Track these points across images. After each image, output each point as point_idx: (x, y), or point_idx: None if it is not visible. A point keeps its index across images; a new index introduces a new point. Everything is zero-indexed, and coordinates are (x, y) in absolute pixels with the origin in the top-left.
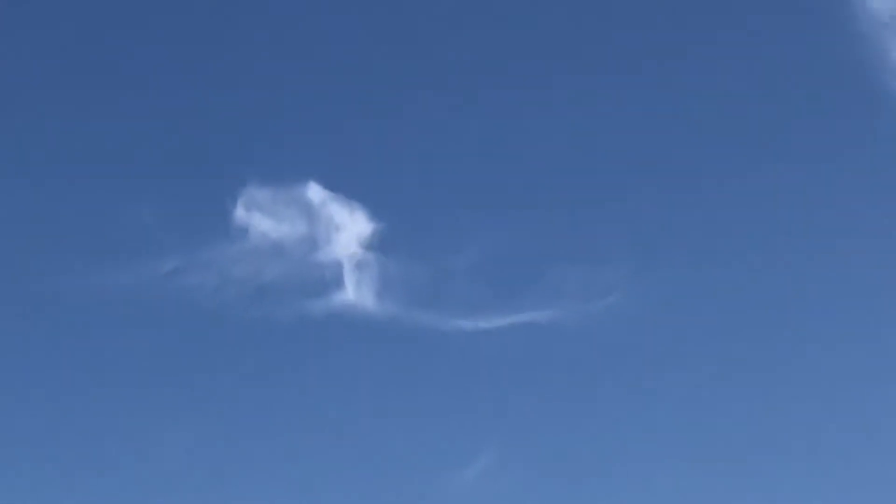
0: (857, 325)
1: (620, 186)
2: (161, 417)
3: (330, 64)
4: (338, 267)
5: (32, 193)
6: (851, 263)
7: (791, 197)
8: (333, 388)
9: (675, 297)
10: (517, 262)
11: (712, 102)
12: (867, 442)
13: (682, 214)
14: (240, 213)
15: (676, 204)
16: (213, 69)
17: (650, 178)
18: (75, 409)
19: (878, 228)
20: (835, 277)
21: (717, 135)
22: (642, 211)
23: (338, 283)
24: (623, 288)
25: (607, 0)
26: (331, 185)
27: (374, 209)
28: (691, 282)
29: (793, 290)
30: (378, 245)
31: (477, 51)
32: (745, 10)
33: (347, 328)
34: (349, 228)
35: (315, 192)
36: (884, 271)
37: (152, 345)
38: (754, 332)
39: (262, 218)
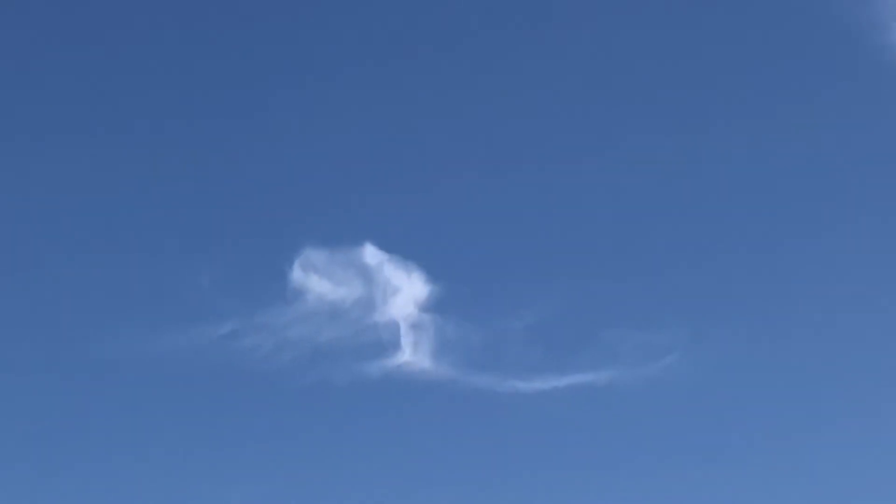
0: None
1: (677, 250)
2: (219, 481)
3: (388, 126)
4: (394, 328)
5: (93, 258)
6: None
7: (846, 265)
8: (391, 450)
9: (732, 362)
10: (573, 324)
11: (762, 165)
12: None
13: (740, 278)
14: (296, 275)
15: (733, 268)
16: (269, 132)
17: (707, 242)
18: (135, 474)
19: None
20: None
21: (769, 197)
22: (699, 274)
23: (394, 344)
24: (680, 351)
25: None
26: (387, 246)
27: (431, 271)
28: (748, 346)
29: (848, 357)
30: (434, 307)
31: (537, 115)
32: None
33: (404, 390)
34: (406, 290)
35: (371, 253)
36: None
37: (209, 408)
38: (810, 398)
39: (318, 280)
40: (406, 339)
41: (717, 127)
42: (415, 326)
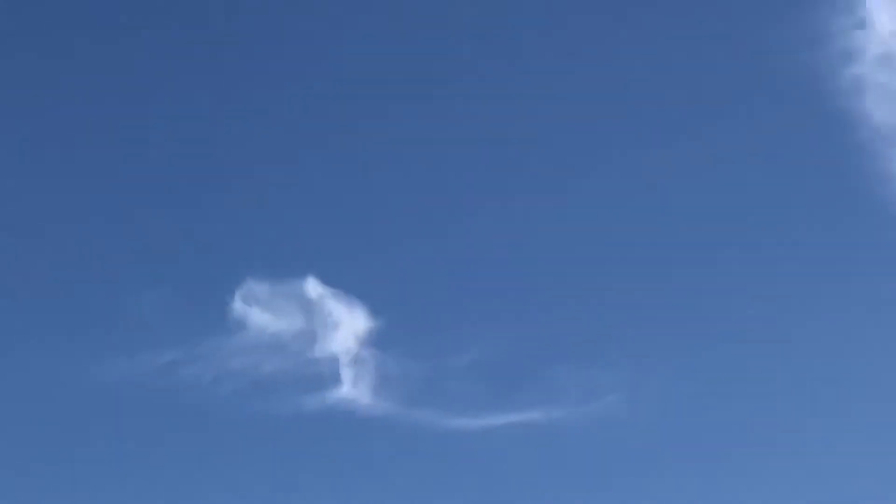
0: (865, 420)
1: (619, 288)
2: (156, 499)
3: (333, 160)
4: (335, 362)
5: (33, 284)
6: (852, 367)
7: (793, 302)
8: (328, 484)
9: (676, 398)
10: (516, 362)
11: (710, 208)
12: None
13: (682, 315)
14: (238, 306)
15: (676, 305)
16: (213, 164)
17: (649, 279)
18: (72, 499)
19: (875, 333)
20: (837, 379)
21: (716, 239)
22: (641, 312)
23: (334, 378)
24: (622, 388)
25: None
26: (329, 280)
27: (373, 305)
28: (692, 382)
29: (796, 389)
30: (376, 341)
31: (479, 153)
32: (749, 120)
33: (343, 424)
34: (347, 324)
35: (314, 286)
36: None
37: (146, 436)
38: (756, 432)
39: (260, 312)
40: (346, 374)
41: (651, 169)
42: (355, 361)
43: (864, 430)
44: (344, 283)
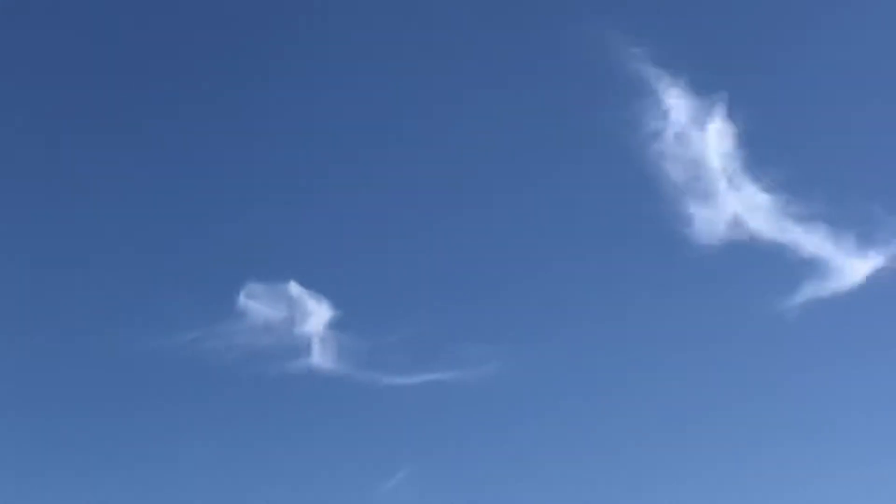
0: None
1: (504, 287)
2: (183, 436)
3: (306, 194)
4: (308, 340)
5: (94, 277)
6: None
7: (626, 310)
8: (305, 423)
9: (541, 366)
10: (432, 338)
11: (564, 229)
12: None
13: (548, 306)
14: (242, 300)
15: (544, 298)
16: (227, 195)
17: (525, 280)
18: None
19: (684, 344)
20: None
21: (572, 257)
22: (518, 303)
23: (308, 351)
24: (504, 358)
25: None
26: (306, 283)
27: (335, 301)
28: (555, 355)
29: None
30: (336, 325)
31: (415, 180)
32: (579, 178)
33: (314, 382)
34: (317, 314)
35: (294, 288)
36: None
37: (175, 393)
38: (599, 391)
39: (257, 305)
40: (316, 348)
41: (535, 196)
42: (322, 339)
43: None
44: (315, 285)
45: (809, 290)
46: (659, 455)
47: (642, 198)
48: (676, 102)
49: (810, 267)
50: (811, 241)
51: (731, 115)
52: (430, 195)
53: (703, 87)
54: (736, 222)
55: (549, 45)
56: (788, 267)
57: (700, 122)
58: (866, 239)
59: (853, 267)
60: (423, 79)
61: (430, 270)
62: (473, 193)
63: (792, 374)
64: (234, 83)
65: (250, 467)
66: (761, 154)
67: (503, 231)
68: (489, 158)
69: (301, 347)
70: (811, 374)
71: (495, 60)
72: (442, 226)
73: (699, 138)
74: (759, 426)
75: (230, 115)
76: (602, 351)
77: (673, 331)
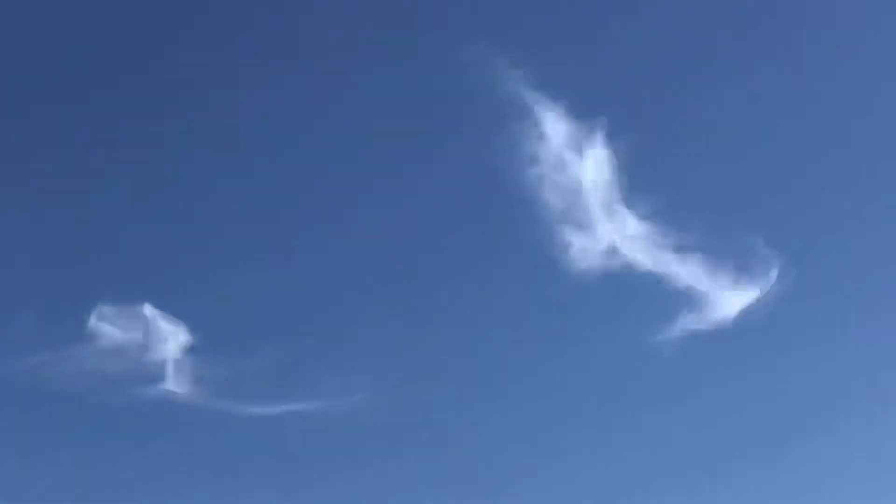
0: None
1: (364, 318)
2: (28, 464)
3: (170, 219)
4: (163, 366)
5: None
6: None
7: (500, 338)
8: (155, 454)
9: (403, 399)
10: (291, 367)
11: (439, 264)
12: None
13: (411, 338)
14: (93, 322)
15: (414, 329)
16: (77, 214)
17: (392, 308)
18: None
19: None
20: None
21: (442, 295)
22: (381, 334)
23: (163, 377)
24: (367, 390)
25: None
26: (161, 306)
27: (191, 325)
28: (422, 386)
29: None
30: (192, 350)
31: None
32: (456, 201)
33: (169, 410)
34: (172, 338)
35: (149, 310)
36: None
37: (23, 421)
38: (467, 422)
39: (109, 328)
40: (171, 374)
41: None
42: (178, 365)
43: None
44: (171, 308)
45: (686, 323)
46: (524, 488)
47: (518, 224)
48: (555, 127)
49: (687, 299)
50: (688, 272)
51: (610, 141)
52: (292, 218)
53: (582, 111)
54: (612, 251)
55: (423, 65)
56: (665, 298)
57: (578, 147)
58: (743, 271)
59: (728, 300)
60: (289, 99)
61: (292, 296)
62: (338, 218)
63: (668, 407)
64: (73, 108)
65: (100, 499)
66: (639, 181)
67: (369, 257)
68: (357, 179)
69: (155, 373)
70: (687, 407)
71: (367, 80)
72: (303, 251)
73: (577, 164)
74: (635, 460)
75: (78, 130)
76: (473, 381)
77: (548, 361)
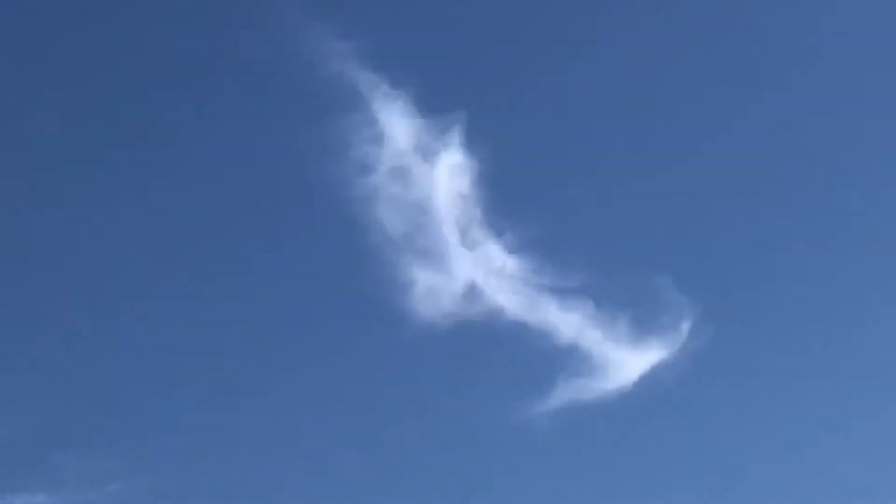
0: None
1: (127, 382)
2: None
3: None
4: None
5: None
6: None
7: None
8: None
9: (170, 491)
10: (25, 447)
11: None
12: None
13: (183, 412)
14: None
15: (178, 405)
16: None
17: (156, 376)
18: None
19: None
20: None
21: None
22: (143, 408)
23: None
24: (122, 477)
25: None
26: None
27: None
28: (186, 476)
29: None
30: None
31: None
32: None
33: None
34: None
35: None
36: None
37: None
38: None
39: None
40: None
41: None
42: None
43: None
44: None
45: (567, 391)
46: None
47: (344, 254)
48: (396, 122)
49: (570, 359)
50: (572, 323)
51: (471, 145)
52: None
53: (433, 102)
54: (471, 293)
55: (223, 36)
56: (541, 357)
57: (428, 151)
58: (645, 323)
59: (626, 361)
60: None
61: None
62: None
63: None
64: None
65: None
66: (509, 200)
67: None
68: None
69: None
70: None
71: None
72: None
73: (426, 174)
74: None
75: None
76: (270, 468)
77: (378, 441)
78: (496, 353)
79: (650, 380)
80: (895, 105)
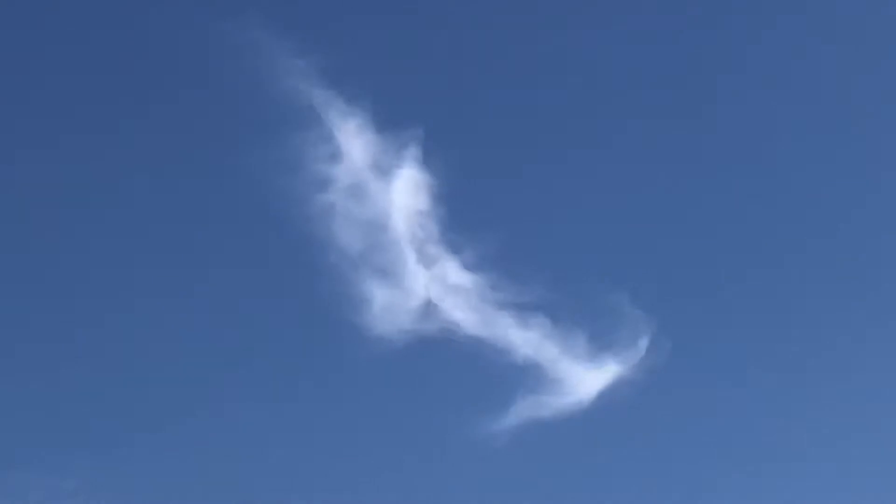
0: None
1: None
2: None
3: None
4: None
5: None
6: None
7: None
8: None
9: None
10: None
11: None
12: None
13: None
14: None
15: (133, 418)
16: None
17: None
18: None
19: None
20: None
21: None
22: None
23: None
24: (85, 494)
25: None
26: None
27: None
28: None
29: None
30: None
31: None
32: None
33: None
34: None
35: None
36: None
37: None
38: None
39: None
40: None
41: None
42: None
43: None
44: None
45: (525, 408)
46: None
47: (299, 270)
48: (353, 138)
49: (527, 375)
50: (529, 339)
51: (428, 161)
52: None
53: (390, 118)
54: (428, 310)
55: (178, 50)
56: (498, 374)
57: (384, 167)
58: (603, 339)
59: (584, 377)
60: None
61: None
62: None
63: None
64: None
65: None
66: (466, 216)
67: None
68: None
69: None
70: None
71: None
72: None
73: (383, 191)
74: None
75: None
76: (224, 485)
77: (333, 460)
78: (453, 369)
79: (608, 396)
80: (855, 116)
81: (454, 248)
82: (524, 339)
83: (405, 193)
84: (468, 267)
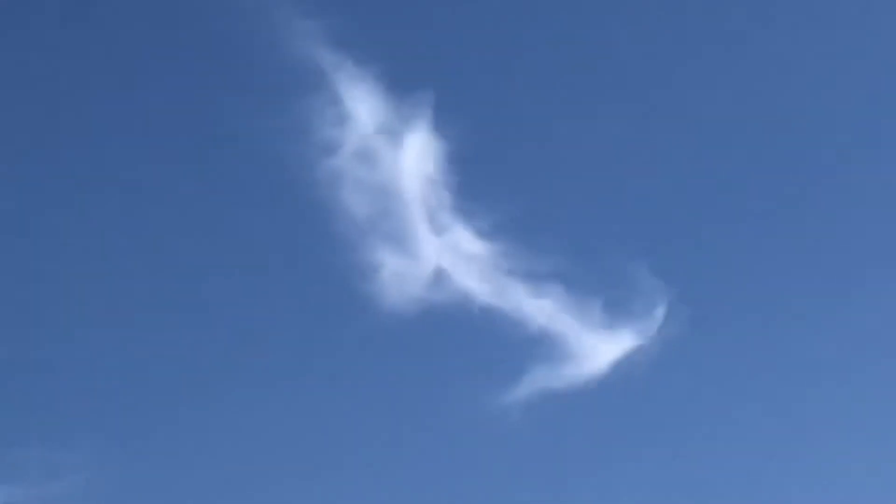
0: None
1: (89, 372)
2: None
3: None
4: None
5: None
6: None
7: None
8: None
9: (133, 483)
10: None
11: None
12: None
13: (146, 402)
14: None
15: (142, 395)
16: None
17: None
18: None
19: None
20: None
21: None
22: (107, 398)
23: None
24: (91, 468)
25: None
26: None
27: None
28: (151, 468)
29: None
30: None
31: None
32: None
33: None
34: None
35: None
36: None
37: None
38: None
39: None
40: None
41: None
42: None
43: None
44: None
45: (540, 379)
46: None
47: (307, 237)
48: (361, 102)
49: (541, 346)
50: (543, 308)
51: (439, 126)
52: None
53: (400, 82)
54: (439, 278)
55: (183, 16)
56: (512, 344)
57: (394, 132)
58: (619, 309)
59: (599, 347)
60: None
61: None
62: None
63: (513, 494)
64: None
65: None
66: (479, 182)
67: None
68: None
69: None
70: (539, 494)
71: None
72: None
73: (392, 156)
74: None
75: None
76: (235, 459)
77: (345, 431)
78: (465, 339)
79: (624, 366)
80: (879, 102)
81: (466, 215)
82: (538, 308)
83: (415, 159)
84: (481, 234)
